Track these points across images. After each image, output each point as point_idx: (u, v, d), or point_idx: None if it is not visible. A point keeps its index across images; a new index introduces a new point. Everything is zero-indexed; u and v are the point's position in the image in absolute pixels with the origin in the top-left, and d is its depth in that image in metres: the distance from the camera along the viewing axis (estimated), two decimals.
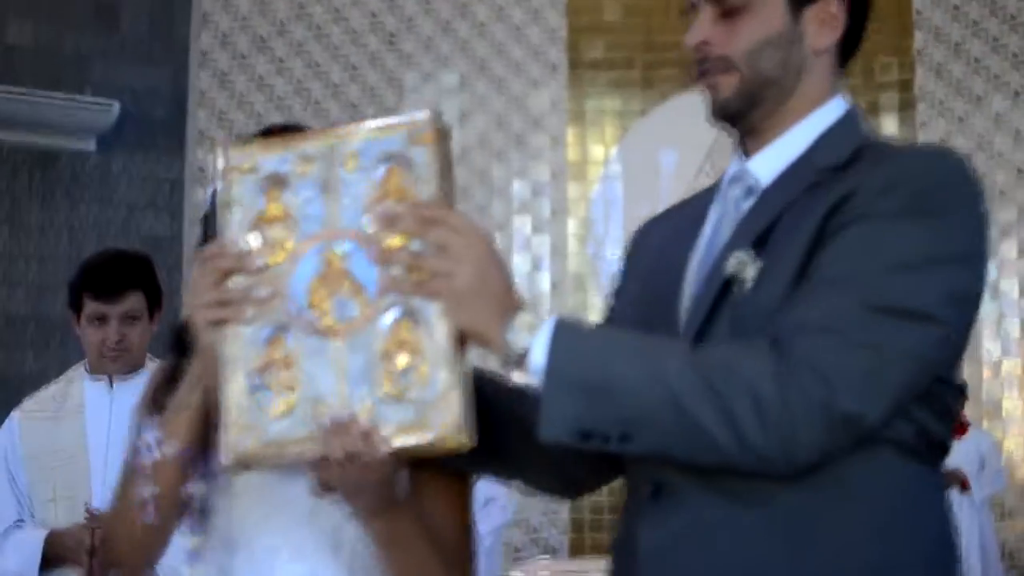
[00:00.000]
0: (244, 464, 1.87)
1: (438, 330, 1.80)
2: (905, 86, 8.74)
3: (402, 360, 1.82)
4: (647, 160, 8.76)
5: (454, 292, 1.78)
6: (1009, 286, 8.33)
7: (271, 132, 2.25)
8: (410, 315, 1.82)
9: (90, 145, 8.46)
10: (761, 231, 1.87)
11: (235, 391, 1.86)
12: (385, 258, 1.82)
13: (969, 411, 8.21)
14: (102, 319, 3.80)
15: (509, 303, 1.79)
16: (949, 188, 1.83)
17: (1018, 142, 8.29)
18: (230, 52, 7.89)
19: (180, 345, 2.19)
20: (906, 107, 8.74)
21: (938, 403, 1.84)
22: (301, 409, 1.83)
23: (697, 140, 8.12)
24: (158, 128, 8.64)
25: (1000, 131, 8.36)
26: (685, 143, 8.55)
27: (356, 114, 8.07)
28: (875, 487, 1.80)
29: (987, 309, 8.18)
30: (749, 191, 1.98)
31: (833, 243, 1.79)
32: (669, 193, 8.52)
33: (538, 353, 1.75)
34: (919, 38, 8.61)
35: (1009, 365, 8.23)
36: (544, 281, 8.33)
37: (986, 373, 8.28)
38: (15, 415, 3.95)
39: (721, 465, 1.74)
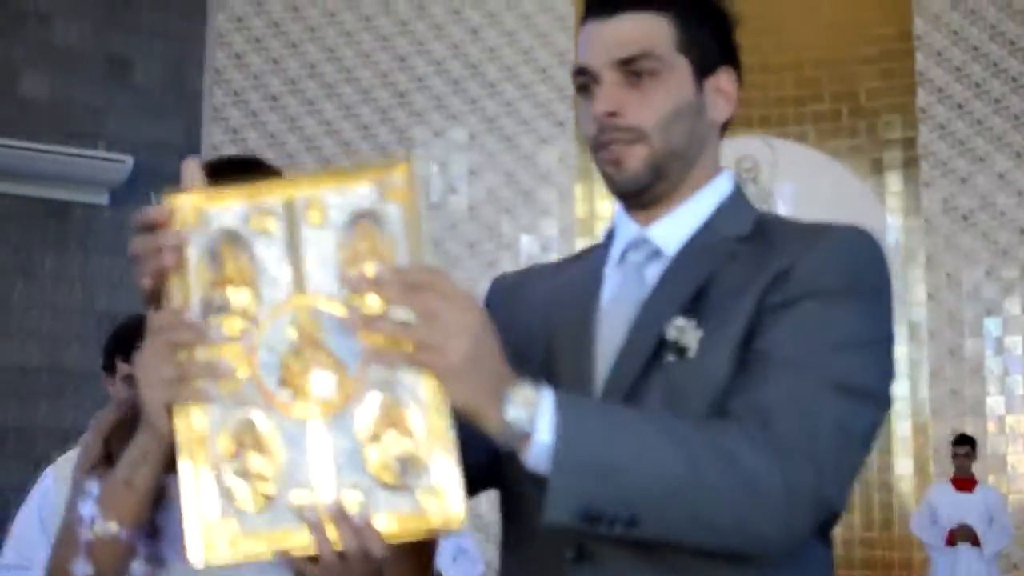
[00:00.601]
0: (218, 564, 1.62)
1: (430, 408, 1.60)
2: (909, 144, 8.79)
3: (391, 442, 1.61)
4: None
5: (448, 367, 1.60)
6: (1013, 343, 8.36)
7: (219, 166, 2.07)
8: (397, 392, 1.62)
9: (103, 198, 8.52)
10: (688, 299, 1.82)
11: (201, 483, 1.62)
12: (366, 328, 1.60)
13: (974, 466, 8.24)
14: (134, 380, 3.85)
15: (504, 377, 1.63)
16: (878, 269, 1.84)
17: (1021, 201, 8.33)
18: (243, 109, 7.98)
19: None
20: (910, 165, 8.79)
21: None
22: (281, 500, 1.61)
23: None
24: (170, 181, 8.68)
25: (1003, 191, 8.40)
26: None
27: None
28: (799, 565, 1.79)
29: (991, 364, 8.23)
30: (652, 256, 1.93)
31: (780, 320, 1.77)
32: None
33: (543, 433, 1.62)
34: (922, 97, 8.65)
35: (1013, 420, 8.26)
36: None
37: (991, 428, 8.30)
38: (49, 472, 4.02)
39: (721, 550, 1.70)
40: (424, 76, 8.36)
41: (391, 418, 1.61)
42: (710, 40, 1.99)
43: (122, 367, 3.87)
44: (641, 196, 1.94)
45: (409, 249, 1.62)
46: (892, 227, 8.74)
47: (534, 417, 1.63)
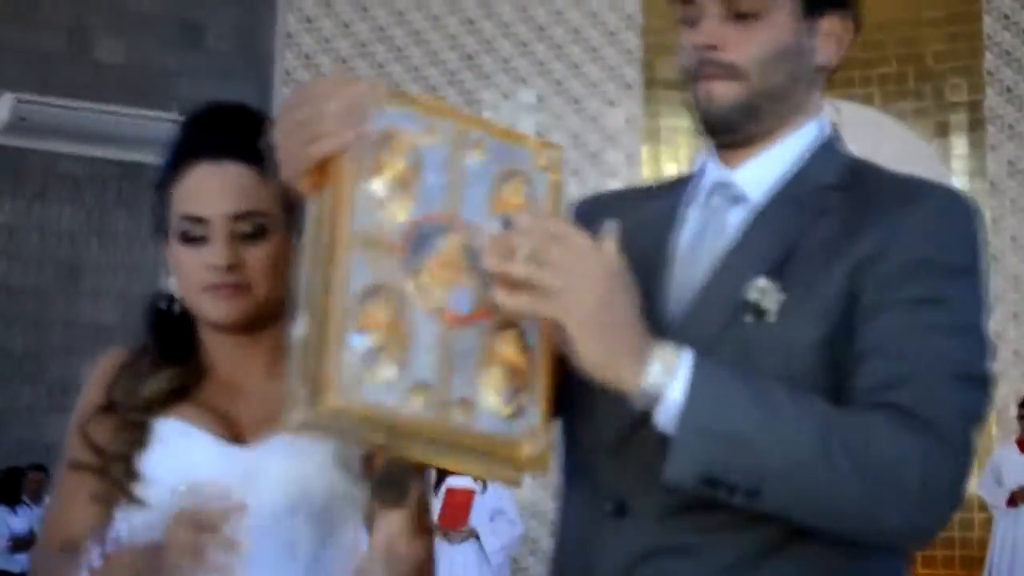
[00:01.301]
0: (333, 420, 1.61)
1: (543, 354, 1.64)
2: (975, 107, 8.78)
3: (503, 376, 1.64)
4: None
5: (577, 320, 1.55)
6: None
7: (222, 109, 2.07)
8: (520, 333, 1.65)
9: None
10: (772, 260, 1.75)
11: (334, 342, 1.58)
12: (507, 266, 1.56)
13: None
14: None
15: (639, 338, 1.59)
16: (978, 238, 1.74)
17: None
18: (313, 72, 8.07)
19: (155, 326, 2.05)
20: (976, 128, 8.78)
21: None
22: (401, 384, 1.60)
23: None
24: None
25: None
26: None
27: None
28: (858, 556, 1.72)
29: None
30: (735, 201, 1.85)
31: (894, 305, 1.69)
32: None
33: (675, 391, 1.58)
34: (989, 60, 8.64)
35: None
36: None
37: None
38: None
39: (841, 534, 1.65)
40: (492, 39, 8.43)
41: (507, 355, 1.63)
42: None
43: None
44: (731, 135, 1.85)
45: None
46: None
47: (671, 378, 1.58)
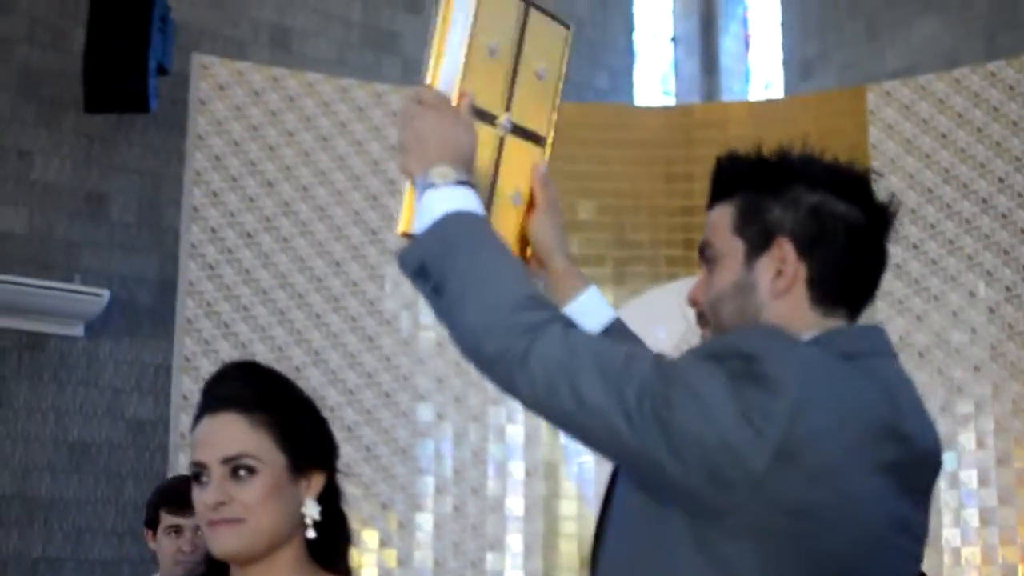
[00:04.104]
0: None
1: None
2: None
3: None
4: None
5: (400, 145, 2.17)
6: (968, 477, 8.50)
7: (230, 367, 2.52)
8: None
9: (78, 330, 8.65)
10: None
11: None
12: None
13: None
14: (177, 530, 4.36)
15: (436, 159, 2.13)
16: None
17: (974, 339, 8.53)
18: (218, 245, 8.15)
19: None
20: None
21: None
22: None
23: (670, 331, 8.35)
24: (145, 314, 8.84)
25: (957, 328, 8.58)
26: (657, 335, 8.79)
27: (338, 306, 8.30)
28: None
29: (947, 497, 8.38)
30: None
31: None
32: None
33: (441, 205, 2.10)
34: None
35: (968, 552, 8.40)
36: (518, 470, 8.51)
37: (947, 560, 8.43)
38: None
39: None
40: (395, 214, 8.55)
41: None
42: (769, 214, 2.13)
43: (166, 517, 4.37)
44: None
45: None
46: None
47: (444, 190, 2.12)
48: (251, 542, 2.35)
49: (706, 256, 2.17)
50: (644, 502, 2.01)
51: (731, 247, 2.14)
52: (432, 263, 2.06)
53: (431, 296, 2.07)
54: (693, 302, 2.18)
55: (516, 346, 1.96)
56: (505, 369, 1.99)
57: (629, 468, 2.04)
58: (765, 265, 2.11)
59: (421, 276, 2.08)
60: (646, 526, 2.02)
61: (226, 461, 2.35)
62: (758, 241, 2.12)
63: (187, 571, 4.26)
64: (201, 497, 2.34)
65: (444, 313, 2.07)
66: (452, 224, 2.08)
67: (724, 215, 2.17)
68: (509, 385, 2.00)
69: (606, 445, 1.96)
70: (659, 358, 1.96)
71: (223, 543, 2.34)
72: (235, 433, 2.37)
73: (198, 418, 2.41)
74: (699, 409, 1.86)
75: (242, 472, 2.35)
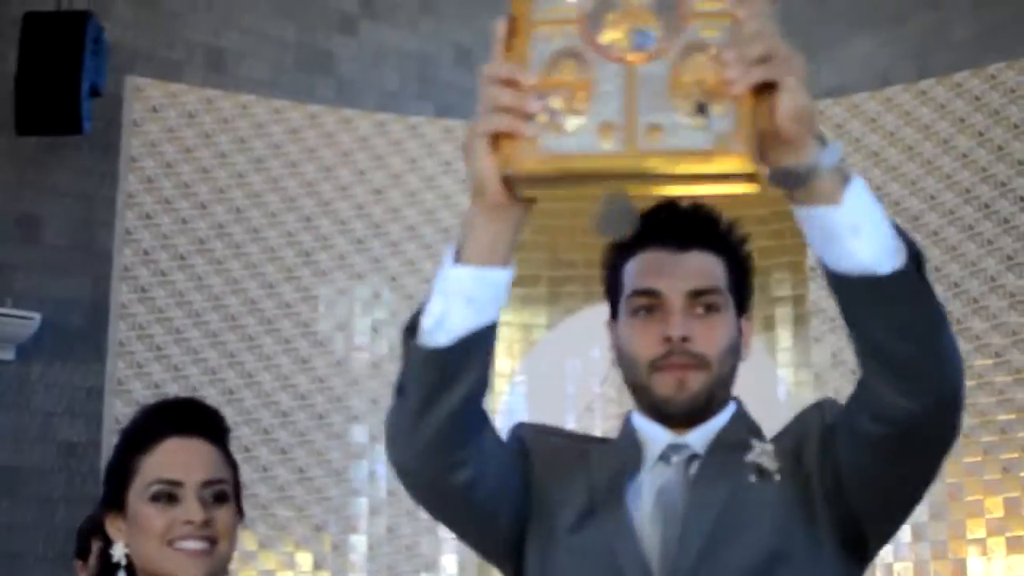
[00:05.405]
0: (523, 180, 1.81)
1: (741, 81, 1.72)
2: (799, 301, 9.04)
3: (691, 97, 1.74)
4: (552, 371, 9.02)
5: (799, 78, 1.71)
6: None
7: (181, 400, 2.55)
8: (704, 61, 1.75)
9: (9, 354, 8.57)
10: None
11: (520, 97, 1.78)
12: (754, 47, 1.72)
13: None
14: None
15: None
16: None
17: None
18: (152, 268, 8.11)
19: (96, 531, 2.40)
20: (800, 322, 9.04)
21: None
22: (588, 130, 1.75)
23: (602, 351, 8.37)
24: (77, 337, 8.75)
25: None
26: (589, 355, 8.81)
27: (271, 328, 8.28)
28: None
29: None
30: (692, 458, 2.16)
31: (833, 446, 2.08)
32: (574, 402, 8.76)
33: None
34: (811, 255, 8.85)
35: (900, 567, 8.43)
36: None
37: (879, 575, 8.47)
38: None
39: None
40: (329, 235, 8.54)
41: (693, 76, 1.74)
42: (745, 285, 2.26)
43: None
44: (690, 417, 2.18)
45: None
46: (783, 381, 8.98)
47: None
48: (217, 568, 2.37)
49: (711, 303, 2.20)
50: None
51: (727, 302, 2.22)
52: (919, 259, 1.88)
53: (930, 291, 1.89)
54: (683, 341, 2.16)
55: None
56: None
57: None
58: (743, 327, 2.26)
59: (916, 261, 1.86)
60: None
61: (206, 484, 2.37)
62: (742, 307, 2.25)
63: None
64: (178, 515, 2.34)
65: (937, 311, 1.91)
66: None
67: (717, 267, 2.23)
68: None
69: None
70: None
71: (196, 565, 2.34)
72: (215, 459, 2.42)
73: (154, 437, 2.40)
74: None
75: (219, 497, 2.39)
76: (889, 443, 1.95)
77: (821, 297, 8.79)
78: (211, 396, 7.53)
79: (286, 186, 8.43)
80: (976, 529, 8.14)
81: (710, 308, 2.17)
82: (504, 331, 8.95)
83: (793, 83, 1.69)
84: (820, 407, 2.21)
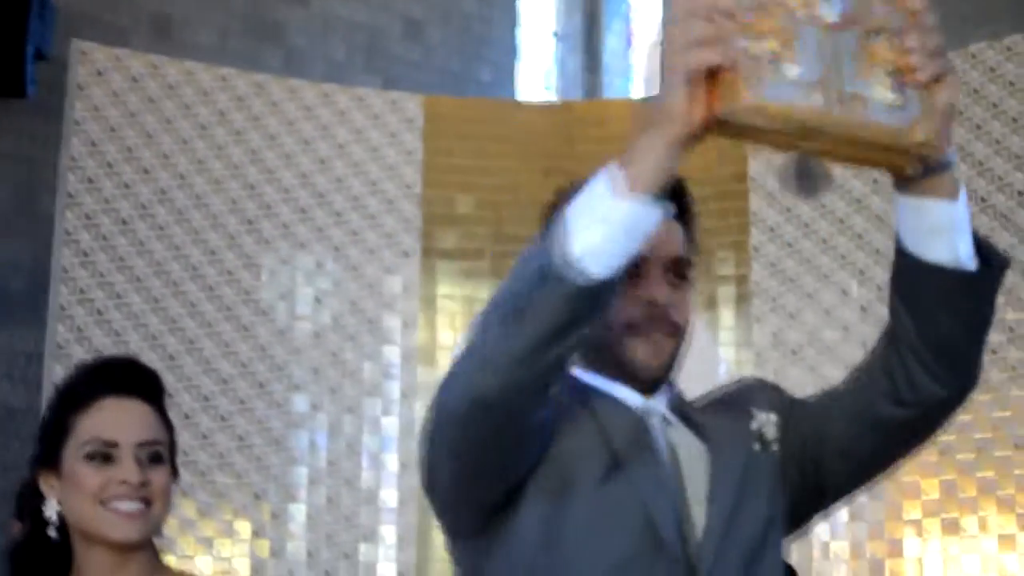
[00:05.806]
0: (748, 116, 1.75)
1: (927, 69, 1.80)
2: (742, 281, 9.09)
3: (885, 73, 1.80)
4: None
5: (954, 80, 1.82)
6: None
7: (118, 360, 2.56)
8: (890, 38, 1.81)
9: None
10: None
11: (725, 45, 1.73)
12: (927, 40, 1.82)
13: None
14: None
15: None
16: None
17: (846, 336, 8.63)
18: (93, 232, 8.07)
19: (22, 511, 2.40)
20: (742, 301, 9.09)
21: None
22: (802, 83, 1.74)
23: None
24: (17, 301, 8.70)
25: (829, 326, 8.67)
26: None
27: (213, 295, 8.26)
28: None
29: None
30: (665, 422, 2.17)
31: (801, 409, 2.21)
32: None
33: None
34: (755, 236, 8.95)
35: (837, 547, 8.50)
36: (393, 462, 8.51)
37: (815, 554, 8.53)
38: None
39: None
40: (272, 204, 8.52)
41: (884, 52, 1.81)
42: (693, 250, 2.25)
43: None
44: (656, 382, 2.20)
45: None
46: (724, 360, 9.03)
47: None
48: (151, 528, 2.39)
49: (685, 275, 2.21)
50: None
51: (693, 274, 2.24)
52: None
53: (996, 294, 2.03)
54: (664, 308, 2.17)
55: None
56: None
57: None
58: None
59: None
60: None
61: (142, 445, 2.38)
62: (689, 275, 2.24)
63: None
64: (114, 475, 2.34)
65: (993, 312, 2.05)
66: None
67: (683, 241, 2.24)
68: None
69: None
70: None
71: (131, 525, 2.35)
72: (151, 420, 2.42)
73: (91, 396, 2.40)
74: None
75: (155, 458, 2.39)
76: (907, 426, 2.12)
77: (763, 277, 8.84)
78: (152, 361, 7.48)
79: (230, 153, 8.40)
80: (912, 510, 8.22)
81: (683, 278, 2.19)
82: (447, 304, 8.98)
83: (954, 80, 1.81)
84: (777, 389, 2.30)
